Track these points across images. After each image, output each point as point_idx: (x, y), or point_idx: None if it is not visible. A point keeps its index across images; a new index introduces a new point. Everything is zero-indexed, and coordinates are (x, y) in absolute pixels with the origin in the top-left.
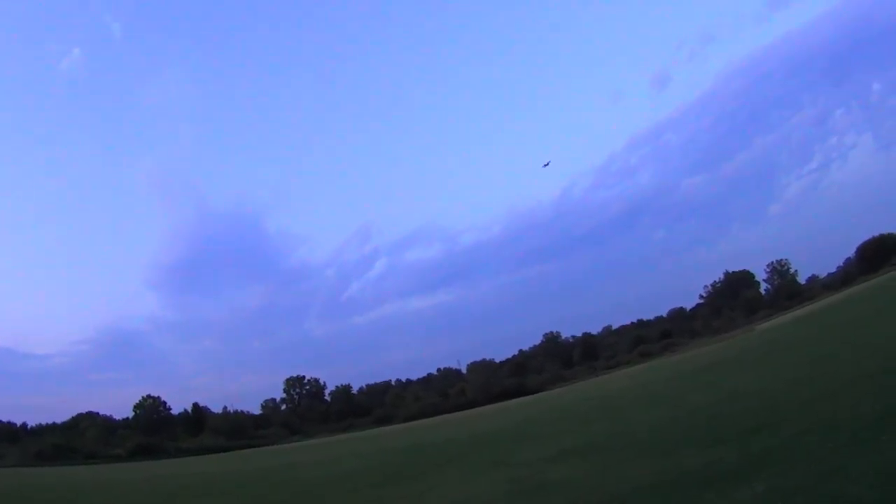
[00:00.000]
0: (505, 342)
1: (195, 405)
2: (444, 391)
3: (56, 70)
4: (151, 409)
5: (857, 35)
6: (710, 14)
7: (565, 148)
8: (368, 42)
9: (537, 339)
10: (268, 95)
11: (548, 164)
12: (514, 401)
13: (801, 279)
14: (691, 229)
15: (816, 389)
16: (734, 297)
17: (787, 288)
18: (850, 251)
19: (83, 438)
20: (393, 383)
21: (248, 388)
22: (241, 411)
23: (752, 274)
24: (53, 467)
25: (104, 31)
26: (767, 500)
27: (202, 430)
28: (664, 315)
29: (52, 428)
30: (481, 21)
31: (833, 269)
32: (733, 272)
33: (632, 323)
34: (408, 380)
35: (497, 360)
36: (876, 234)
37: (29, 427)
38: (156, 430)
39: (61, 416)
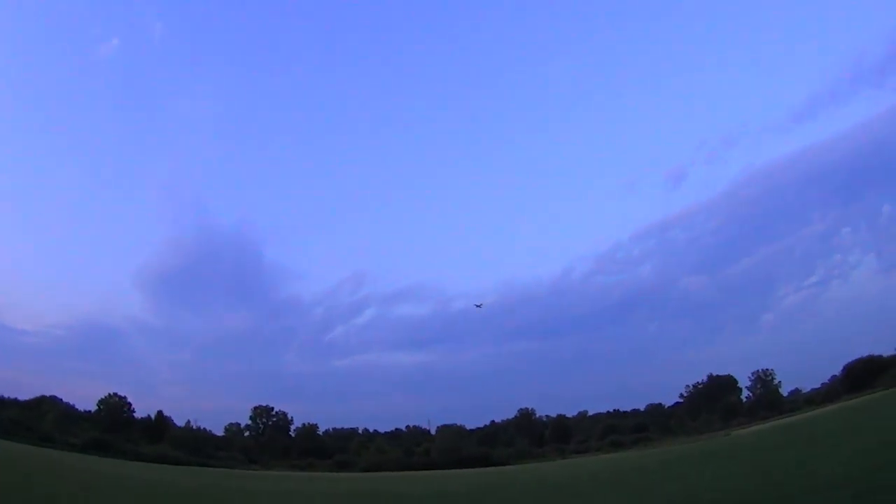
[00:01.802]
0: (479, 410)
1: (159, 413)
2: (409, 448)
3: (91, 55)
4: (115, 406)
5: (873, 157)
6: (735, 119)
7: (572, 228)
8: (391, 97)
9: (511, 413)
10: (286, 129)
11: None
12: (476, 469)
13: (784, 391)
14: (683, 328)
15: (781, 494)
16: (715, 400)
17: (768, 398)
18: (837, 369)
19: (42, 420)
20: (360, 431)
21: (215, 407)
22: (204, 429)
23: (735, 379)
24: (4, 441)
25: (146, 27)
26: None
27: (162, 439)
28: (641, 409)
29: (13, 403)
30: (502, 90)
31: (817, 385)
32: (717, 375)
33: (608, 412)
34: (375, 430)
35: (468, 427)
36: (865, 354)
37: None
38: (116, 428)
39: (24, 394)
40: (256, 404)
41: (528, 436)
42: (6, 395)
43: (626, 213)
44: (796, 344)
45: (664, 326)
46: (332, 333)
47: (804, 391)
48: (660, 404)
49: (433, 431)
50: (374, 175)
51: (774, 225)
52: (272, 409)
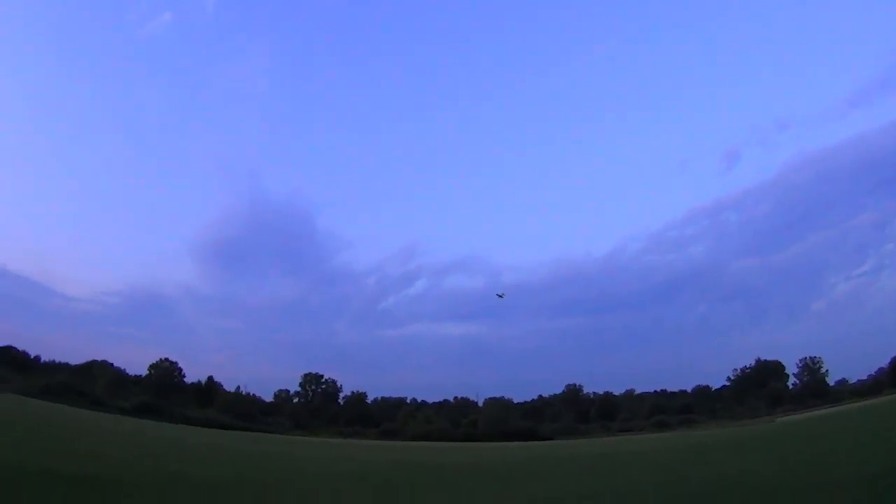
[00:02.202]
0: (526, 384)
1: (209, 378)
2: (456, 419)
3: (143, 29)
4: (166, 371)
5: None
6: (789, 101)
7: (624, 206)
8: (445, 70)
9: (559, 389)
10: (339, 99)
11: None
12: (522, 442)
13: (831, 380)
14: (732, 311)
15: (821, 483)
16: (761, 385)
17: (815, 386)
18: (885, 361)
19: (93, 384)
20: (408, 401)
21: (265, 374)
22: (253, 395)
23: (783, 365)
24: (55, 404)
25: (197, 2)
26: None
27: (211, 403)
28: (688, 390)
29: (64, 367)
30: (558, 67)
31: (864, 376)
32: (765, 361)
33: (654, 391)
34: (423, 401)
35: (515, 401)
36: None
37: (42, 361)
38: (166, 393)
39: (76, 358)
40: (306, 371)
41: (574, 412)
42: (58, 360)
43: (679, 194)
44: (845, 333)
45: (713, 308)
46: (384, 303)
47: (850, 382)
48: (707, 387)
49: (480, 403)
50: (428, 148)
51: (827, 211)
52: (322, 376)
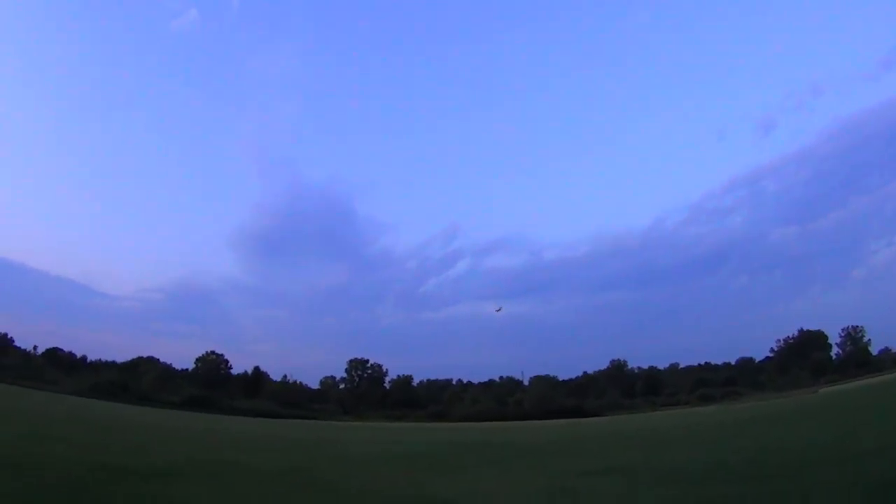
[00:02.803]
0: (571, 361)
1: (256, 368)
2: (502, 399)
3: (170, 27)
4: (213, 364)
5: None
6: (822, 67)
7: (663, 178)
8: (480, 46)
9: (603, 365)
10: (372, 82)
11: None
12: (568, 420)
13: (874, 349)
14: (774, 281)
15: (860, 453)
16: (804, 356)
17: (858, 356)
18: None
19: (140, 381)
20: (454, 382)
21: (310, 362)
22: (300, 383)
23: (825, 335)
24: (105, 402)
25: None
26: None
27: (259, 393)
28: (732, 362)
29: (111, 365)
30: (591, 37)
31: None
32: (807, 331)
33: (698, 364)
34: (468, 381)
35: (560, 378)
36: None
37: (88, 361)
38: (213, 385)
39: (122, 356)
40: (352, 357)
41: (619, 387)
42: (105, 359)
43: (717, 164)
44: (887, 301)
45: (755, 279)
46: (426, 286)
47: (893, 350)
48: (750, 358)
49: (526, 382)
50: (465, 127)
51: (865, 177)
52: (367, 361)
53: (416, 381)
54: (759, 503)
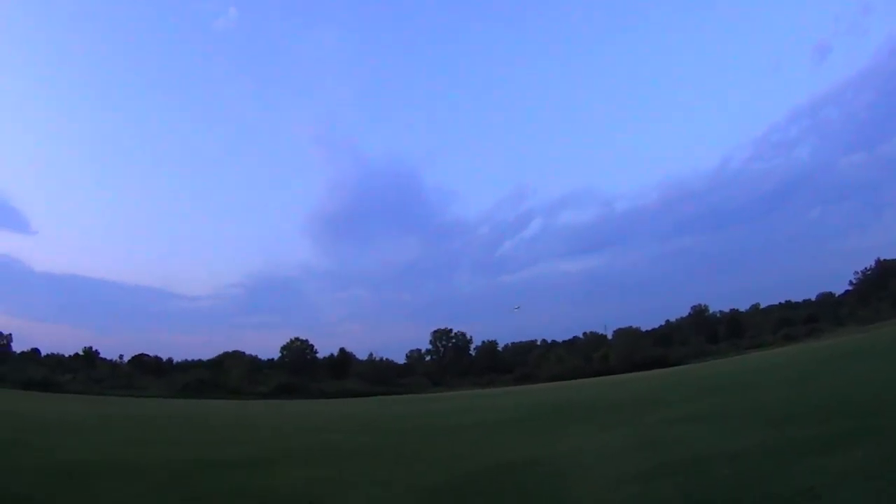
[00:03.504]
0: (652, 311)
1: (342, 350)
2: (587, 355)
3: (212, 28)
4: (298, 351)
5: None
6: None
7: (724, 116)
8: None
9: (684, 312)
10: (425, 50)
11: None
12: (654, 371)
13: None
14: (846, 211)
15: None
16: (883, 287)
17: None
18: None
19: (228, 375)
20: (538, 343)
21: (395, 337)
22: (386, 359)
23: None
24: (196, 399)
25: None
26: (866, 464)
27: (346, 374)
28: (812, 298)
29: (198, 364)
30: None
31: None
32: (885, 260)
33: (779, 303)
34: (553, 341)
35: (643, 329)
36: None
37: (175, 363)
38: (301, 371)
39: (208, 354)
40: (435, 328)
41: (702, 333)
42: (191, 359)
43: (777, 95)
44: None
45: (827, 210)
46: (501, 249)
47: None
48: (830, 293)
49: (610, 336)
50: (523, 82)
51: None
52: (451, 330)
53: (500, 346)
54: (849, 442)
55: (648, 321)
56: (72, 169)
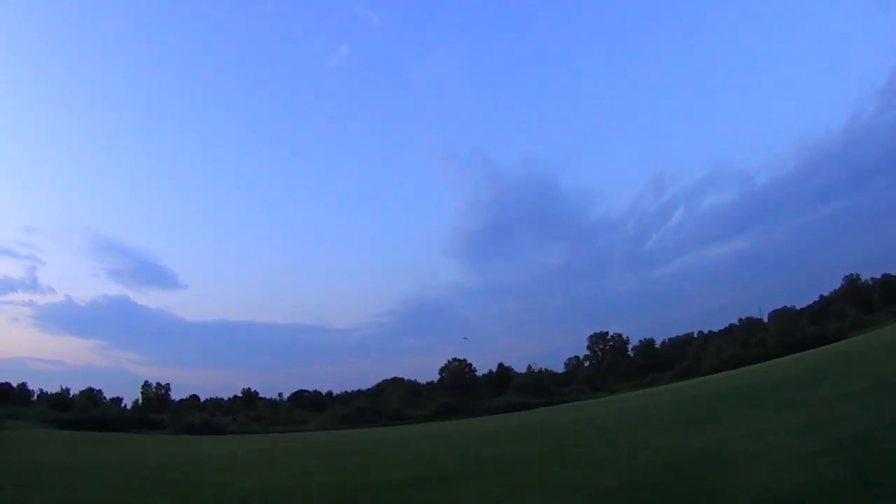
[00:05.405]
0: (805, 287)
1: (500, 365)
2: (745, 342)
3: (328, 66)
4: (457, 370)
5: None
6: None
7: (841, 68)
8: None
9: (837, 283)
10: (543, 50)
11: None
12: (813, 350)
13: None
14: None
15: None
16: None
17: None
18: None
19: (389, 401)
20: (695, 335)
21: (552, 346)
22: (545, 369)
23: None
24: (357, 429)
25: (365, 24)
26: None
27: (507, 389)
28: None
29: (358, 394)
30: None
31: None
32: None
33: None
34: (709, 331)
35: (797, 307)
36: None
37: (334, 395)
38: (461, 390)
39: (366, 384)
40: (591, 332)
41: (857, 304)
42: (350, 390)
43: (888, 37)
44: None
45: None
46: (648, 244)
47: None
48: None
49: (765, 319)
50: (646, 67)
51: None
52: (607, 333)
53: (658, 342)
54: None
55: (802, 298)
56: (212, 222)
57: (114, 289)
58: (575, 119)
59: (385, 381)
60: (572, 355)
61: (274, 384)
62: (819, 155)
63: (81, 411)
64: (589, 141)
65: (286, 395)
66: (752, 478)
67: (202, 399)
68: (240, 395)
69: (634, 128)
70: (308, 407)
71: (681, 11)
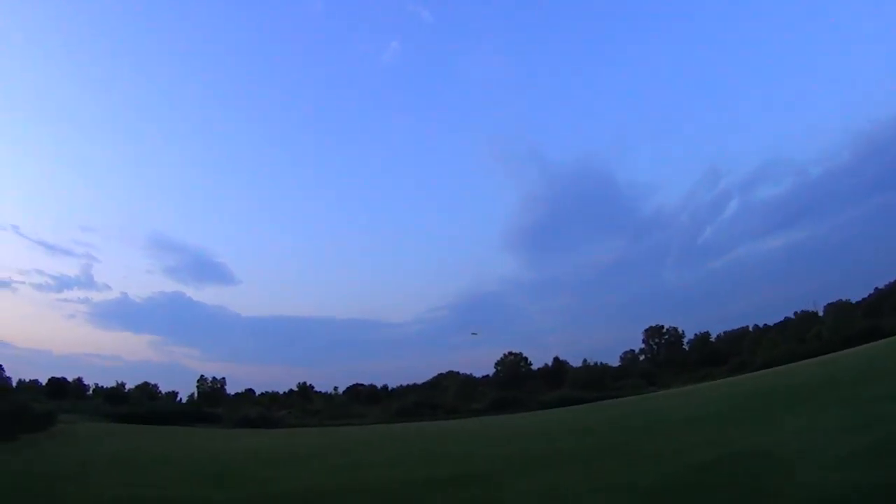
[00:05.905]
0: (861, 280)
1: (555, 359)
2: (800, 336)
3: (379, 63)
4: (512, 364)
5: None
6: None
7: (886, 48)
8: None
9: (893, 276)
10: (593, 47)
11: (475, 334)
12: (868, 344)
13: None
14: None
15: None
16: None
17: None
18: None
19: (444, 395)
20: (750, 329)
21: (607, 340)
22: (601, 363)
23: None
24: (413, 423)
25: (416, 19)
26: None
27: (562, 383)
28: None
29: (414, 388)
30: None
31: None
32: None
33: None
34: (765, 325)
35: (853, 301)
36: None
37: (390, 389)
38: (516, 384)
39: (422, 378)
40: (646, 326)
41: None
42: (405, 384)
43: None
44: None
45: None
46: (702, 236)
47: None
48: None
49: (820, 313)
50: (698, 59)
51: None
52: (662, 327)
53: (713, 336)
54: None
55: (858, 291)
56: (268, 219)
57: (170, 285)
58: (628, 113)
59: (440, 375)
60: (628, 349)
61: (329, 378)
62: (873, 144)
63: (136, 405)
64: (643, 134)
65: (341, 390)
66: (802, 478)
67: (258, 393)
68: (295, 389)
69: (687, 118)
70: (364, 401)
71: (729, 3)
